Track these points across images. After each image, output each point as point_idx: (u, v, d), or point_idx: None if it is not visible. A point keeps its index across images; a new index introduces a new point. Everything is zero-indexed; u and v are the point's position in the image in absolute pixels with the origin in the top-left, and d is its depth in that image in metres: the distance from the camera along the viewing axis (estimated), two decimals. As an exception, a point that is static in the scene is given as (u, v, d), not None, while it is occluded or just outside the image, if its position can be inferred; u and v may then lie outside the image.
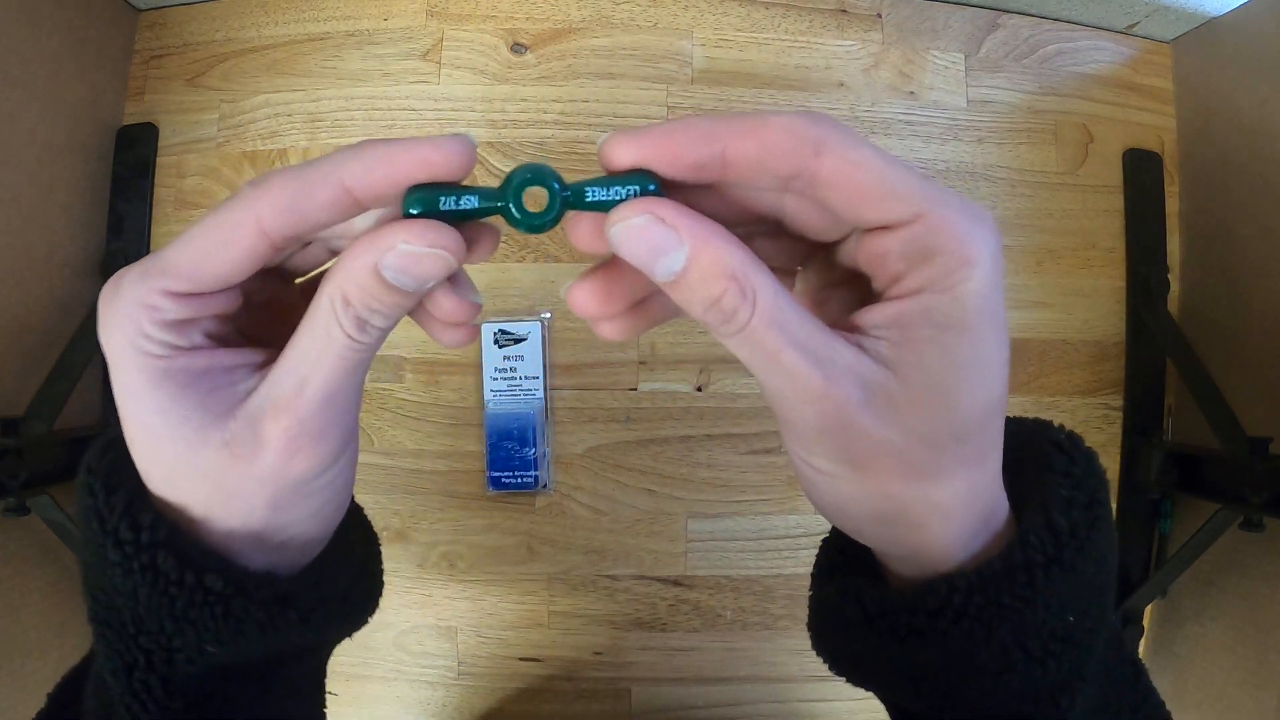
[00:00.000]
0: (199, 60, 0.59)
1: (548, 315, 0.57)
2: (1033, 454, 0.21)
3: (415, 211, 0.17)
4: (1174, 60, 0.63)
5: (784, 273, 0.22)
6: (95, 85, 0.56)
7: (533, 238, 0.58)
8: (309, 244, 0.21)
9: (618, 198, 0.18)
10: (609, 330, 0.20)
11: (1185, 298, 0.62)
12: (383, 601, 0.27)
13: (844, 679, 0.24)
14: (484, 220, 0.19)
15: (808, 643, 0.24)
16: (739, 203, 0.19)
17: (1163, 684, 0.24)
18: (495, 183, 0.18)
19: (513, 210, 0.18)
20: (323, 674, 0.27)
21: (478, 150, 0.19)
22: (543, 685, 0.59)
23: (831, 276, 0.21)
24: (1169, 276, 0.61)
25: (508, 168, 0.58)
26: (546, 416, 0.57)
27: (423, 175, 0.17)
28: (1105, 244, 0.62)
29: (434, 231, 0.17)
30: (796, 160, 0.17)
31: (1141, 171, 0.62)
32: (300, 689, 0.26)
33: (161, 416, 0.18)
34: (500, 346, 0.57)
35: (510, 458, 0.56)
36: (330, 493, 0.21)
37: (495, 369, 0.57)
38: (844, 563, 0.24)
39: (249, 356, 0.20)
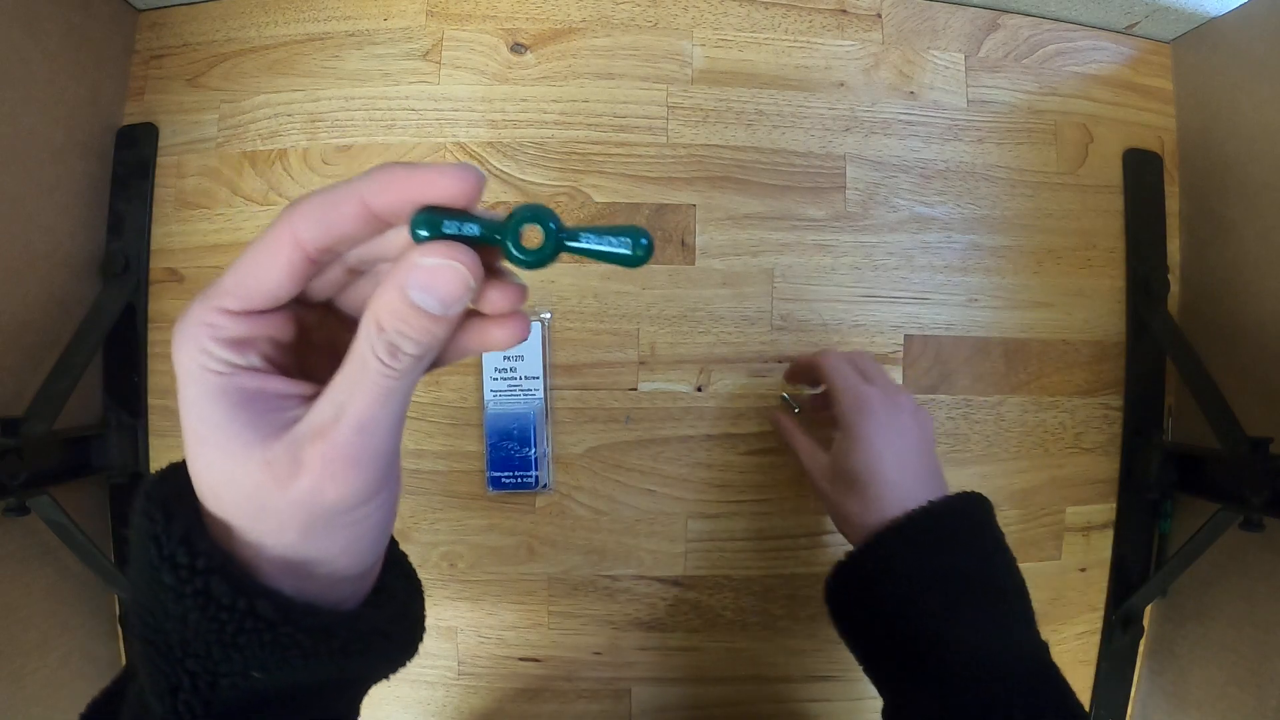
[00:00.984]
0: (199, 60, 0.59)
1: (548, 315, 0.57)
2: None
3: (423, 233, 0.19)
4: (1174, 60, 0.63)
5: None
6: (95, 85, 0.56)
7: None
8: (362, 276, 0.22)
9: (609, 248, 0.19)
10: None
11: (1185, 298, 0.62)
12: None
13: (848, 643, 0.43)
14: (515, 281, 0.21)
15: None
16: None
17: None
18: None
19: (509, 245, 0.19)
20: (356, 713, 0.28)
21: (480, 170, 0.20)
22: (543, 685, 0.59)
23: (826, 415, 0.50)
24: (1169, 276, 0.61)
25: (508, 168, 0.58)
26: (546, 416, 0.57)
27: (431, 196, 0.19)
28: (1105, 244, 0.62)
29: (448, 248, 0.19)
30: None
31: (1141, 171, 0.62)
32: None
33: (213, 429, 0.20)
34: (500, 346, 0.57)
35: (510, 458, 0.56)
36: (363, 530, 0.21)
37: (495, 369, 0.57)
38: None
39: (302, 388, 0.21)
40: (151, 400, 0.58)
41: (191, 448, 0.20)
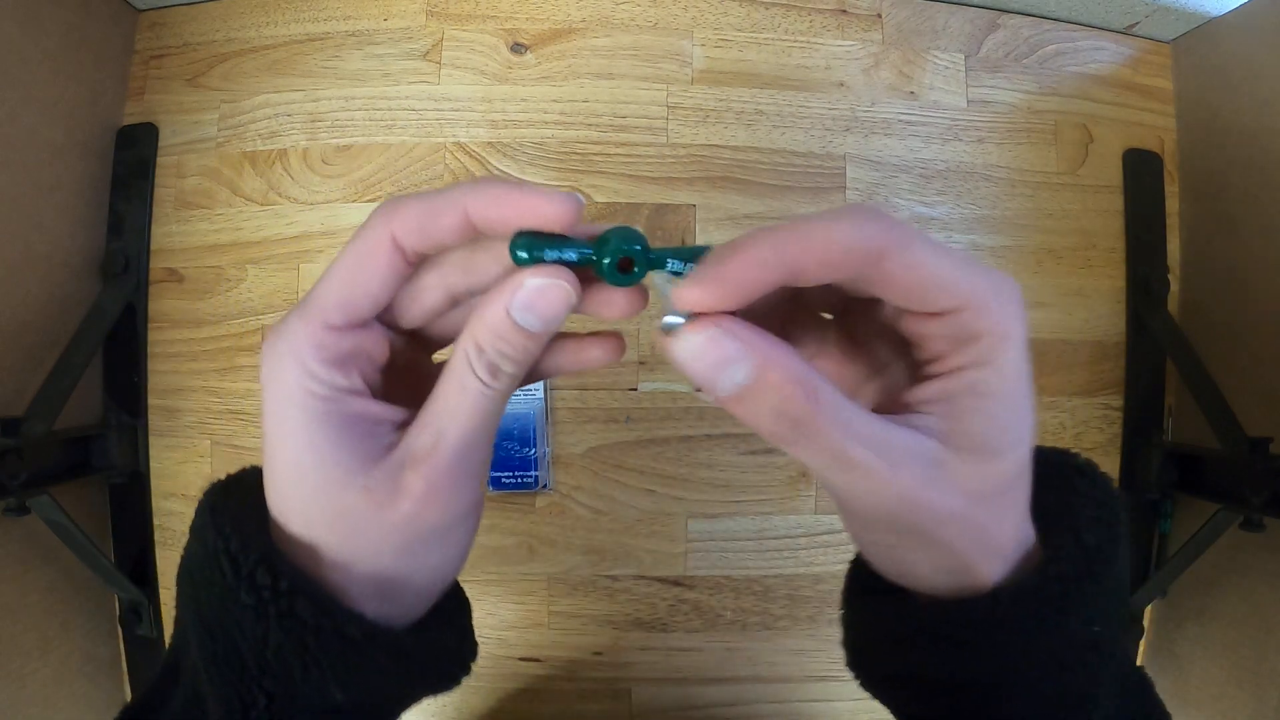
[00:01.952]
0: (199, 60, 0.59)
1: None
2: (1057, 479, 0.23)
3: (523, 254, 0.19)
4: (1174, 60, 0.63)
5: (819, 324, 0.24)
6: (95, 85, 0.56)
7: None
8: (454, 308, 0.23)
9: (683, 270, 0.20)
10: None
11: (1185, 298, 0.62)
12: None
13: (873, 694, 0.25)
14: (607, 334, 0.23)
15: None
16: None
17: (1163, 684, 0.25)
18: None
19: (606, 271, 0.20)
20: None
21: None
22: (543, 685, 0.59)
23: (869, 327, 0.22)
24: (1169, 276, 0.61)
25: (508, 168, 0.58)
26: (546, 416, 0.57)
27: (535, 221, 0.19)
28: (1105, 244, 0.62)
29: (553, 270, 0.19)
30: (860, 268, 0.18)
31: (1141, 171, 0.62)
32: None
33: (315, 454, 0.19)
34: (500, 346, 0.57)
35: (510, 458, 0.56)
36: (454, 546, 0.22)
37: (495, 369, 0.57)
38: (874, 582, 0.25)
39: (394, 413, 0.21)
40: (151, 400, 0.58)
41: (285, 476, 0.20)
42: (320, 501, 0.20)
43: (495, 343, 0.19)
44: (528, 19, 0.59)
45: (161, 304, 0.58)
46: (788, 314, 0.24)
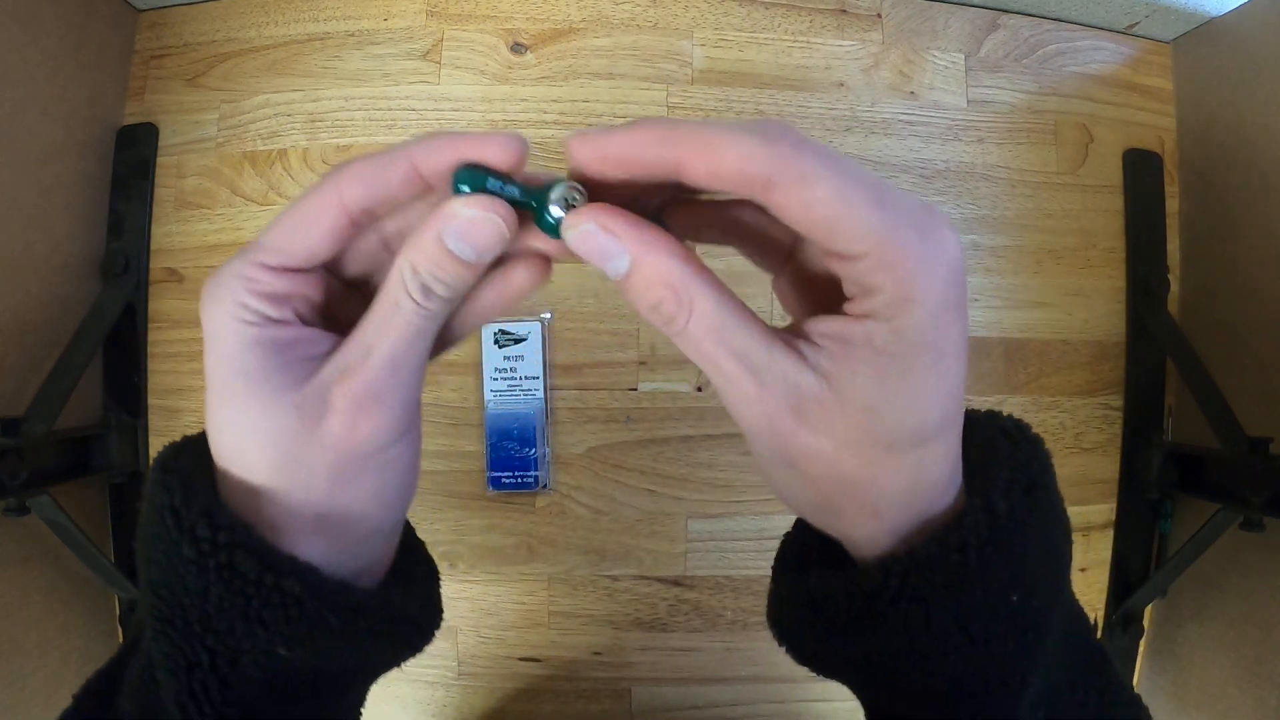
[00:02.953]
0: (199, 60, 0.59)
1: (548, 315, 0.57)
2: (981, 443, 0.22)
3: (464, 188, 0.19)
4: (1174, 60, 0.63)
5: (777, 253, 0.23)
6: (95, 85, 0.56)
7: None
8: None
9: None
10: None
11: (1185, 298, 0.62)
12: None
13: (810, 670, 0.24)
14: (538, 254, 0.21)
15: None
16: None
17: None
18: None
19: (544, 212, 0.20)
20: (363, 703, 0.28)
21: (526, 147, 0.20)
22: (543, 685, 0.59)
23: (814, 269, 0.22)
24: (1169, 276, 0.61)
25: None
26: (546, 416, 0.57)
27: (479, 161, 0.19)
28: (1105, 244, 0.62)
29: (488, 201, 0.19)
30: (748, 191, 0.18)
31: (1141, 171, 0.62)
32: (349, 712, 0.26)
33: (245, 379, 0.19)
34: (500, 346, 0.57)
35: (510, 458, 0.56)
36: (391, 473, 0.21)
37: (495, 369, 0.57)
38: (803, 554, 0.25)
39: (328, 340, 0.21)
40: (151, 400, 0.58)
41: (218, 401, 0.20)
42: (253, 427, 0.20)
43: (429, 266, 0.19)
44: (528, 19, 0.59)
45: (161, 304, 0.58)
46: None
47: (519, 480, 0.56)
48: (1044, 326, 0.61)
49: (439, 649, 0.59)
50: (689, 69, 0.59)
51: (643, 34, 0.59)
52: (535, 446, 0.56)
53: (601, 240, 0.19)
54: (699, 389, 0.58)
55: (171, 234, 0.59)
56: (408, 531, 0.27)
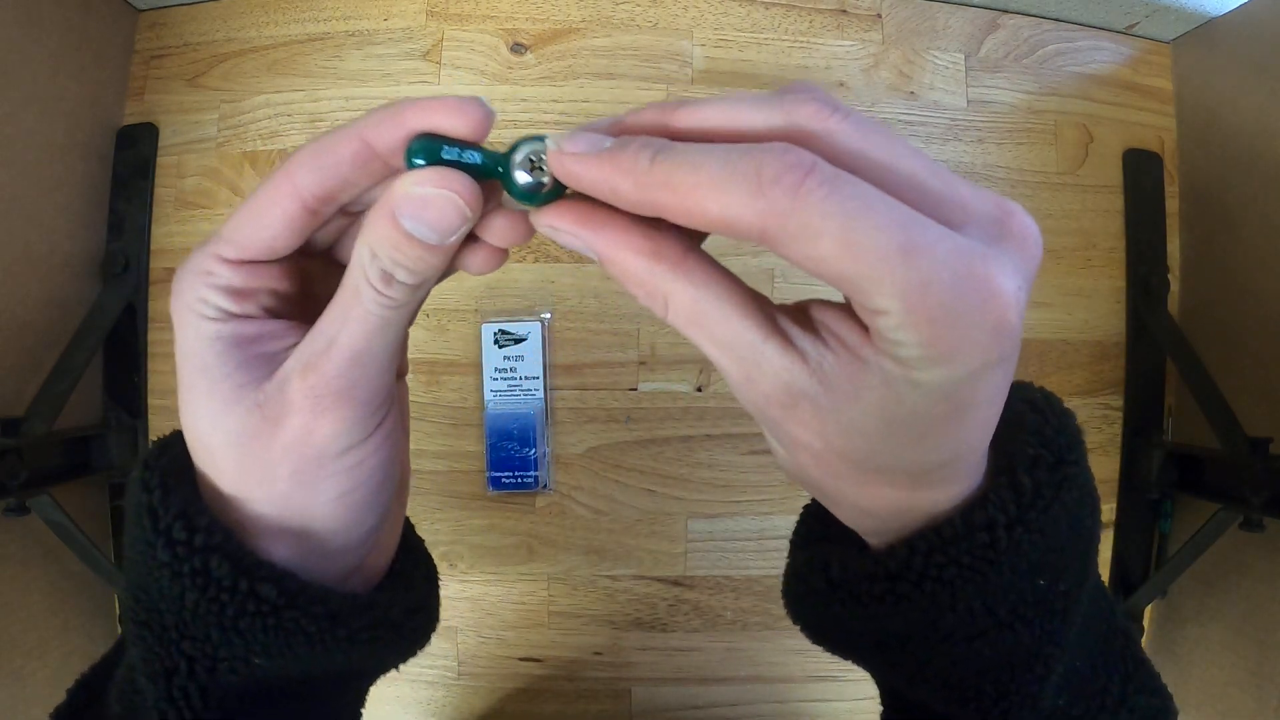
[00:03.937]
0: (199, 60, 0.59)
1: (548, 315, 0.57)
2: (1007, 416, 0.20)
3: (419, 161, 0.17)
4: (1174, 60, 0.63)
5: None
6: (95, 85, 0.56)
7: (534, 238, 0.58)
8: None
9: None
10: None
11: (1185, 298, 0.62)
12: None
13: (824, 649, 0.23)
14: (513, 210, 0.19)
15: (808, 643, 0.24)
16: None
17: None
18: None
19: (510, 179, 0.18)
20: (361, 704, 0.27)
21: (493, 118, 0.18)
22: (543, 685, 0.59)
23: None
24: (1169, 276, 0.61)
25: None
26: (546, 416, 0.57)
27: (435, 129, 0.17)
28: (1105, 244, 0.62)
29: (442, 176, 0.17)
30: (743, 238, 0.16)
31: (1141, 171, 0.62)
32: (346, 713, 0.26)
33: (205, 375, 0.18)
34: (500, 346, 0.57)
35: (510, 458, 0.56)
36: (357, 478, 0.20)
37: (495, 369, 0.57)
38: (822, 530, 0.24)
39: (296, 332, 0.19)
40: (151, 400, 0.58)
41: (184, 397, 0.19)
42: (213, 426, 0.19)
43: (389, 251, 0.17)
44: (528, 19, 0.59)
45: (161, 304, 0.58)
46: None
47: (519, 480, 0.56)
48: (1044, 326, 0.61)
49: (439, 649, 0.59)
50: (689, 69, 0.59)
51: (643, 34, 0.59)
52: (535, 446, 0.56)
53: (564, 238, 0.18)
54: (699, 389, 0.58)
55: (172, 234, 0.59)
56: (408, 530, 0.26)
